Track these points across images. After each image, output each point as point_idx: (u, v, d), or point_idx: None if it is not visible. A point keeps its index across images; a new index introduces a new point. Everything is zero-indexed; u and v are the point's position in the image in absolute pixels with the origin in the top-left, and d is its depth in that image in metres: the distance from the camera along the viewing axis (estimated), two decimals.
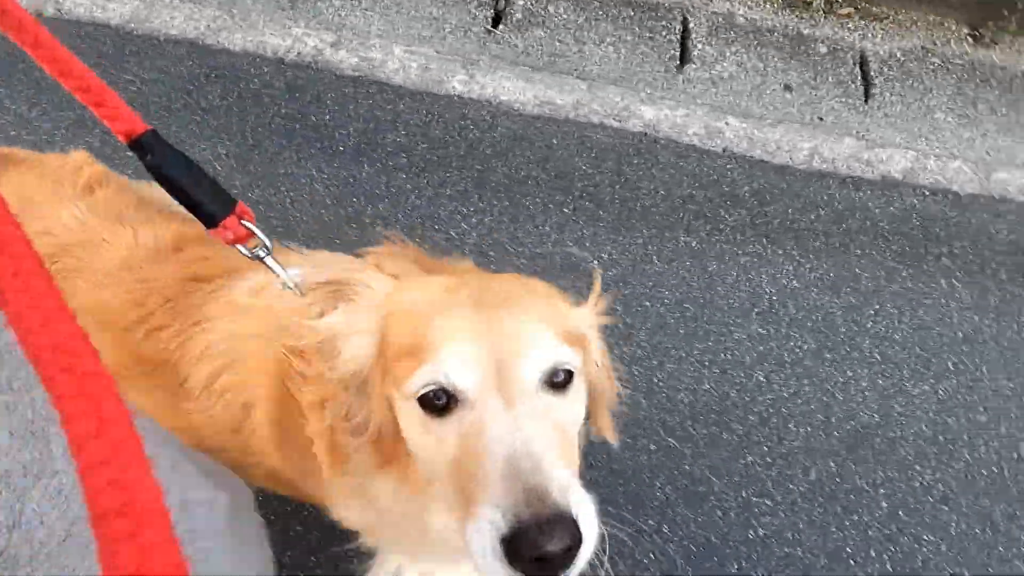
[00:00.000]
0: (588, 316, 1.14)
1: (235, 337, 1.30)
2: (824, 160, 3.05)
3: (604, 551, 0.89)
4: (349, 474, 1.20)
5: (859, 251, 2.81)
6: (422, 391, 0.93)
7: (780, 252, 2.74)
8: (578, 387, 1.01)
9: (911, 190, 3.02)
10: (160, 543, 0.43)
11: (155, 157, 1.06)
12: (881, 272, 2.76)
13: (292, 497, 1.54)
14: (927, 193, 3.03)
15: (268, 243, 1.14)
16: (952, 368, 2.58)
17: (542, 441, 0.88)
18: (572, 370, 0.98)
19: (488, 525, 0.82)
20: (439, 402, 0.93)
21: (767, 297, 2.62)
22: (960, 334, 2.66)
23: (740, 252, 2.71)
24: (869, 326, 2.63)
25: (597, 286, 1.17)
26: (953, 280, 2.80)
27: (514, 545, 0.79)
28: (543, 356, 0.94)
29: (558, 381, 0.97)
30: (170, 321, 1.35)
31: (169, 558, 0.43)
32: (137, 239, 1.44)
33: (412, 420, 0.98)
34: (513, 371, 0.92)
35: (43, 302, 0.51)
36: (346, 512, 1.34)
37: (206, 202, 1.09)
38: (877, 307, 2.68)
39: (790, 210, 2.87)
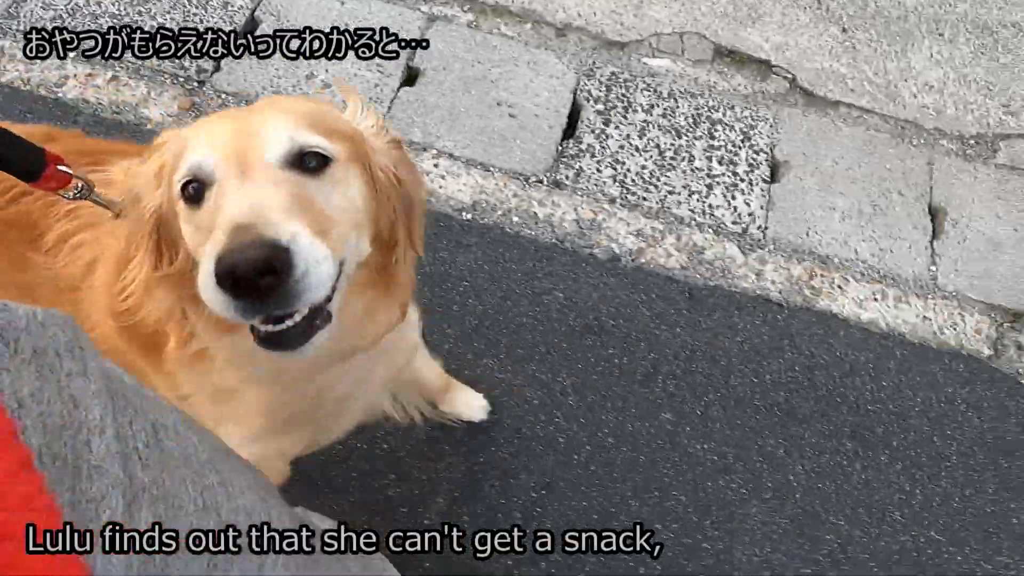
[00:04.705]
0: (364, 121, 1.19)
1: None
2: None
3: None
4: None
5: None
6: (181, 183, 1.01)
7: None
8: (343, 177, 1.07)
9: None
10: None
11: None
12: None
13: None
14: None
15: (88, 181, 1.20)
16: None
17: (272, 203, 0.92)
18: (327, 156, 1.04)
19: (208, 265, 0.88)
20: (195, 191, 0.99)
21: None
22: None
23: None
24: None
25: (361, 102, 1.23)
26: None
27: (216, 267, 0.86)
28: (281, 137, 1.01)
29: (311, 166, 1.02)
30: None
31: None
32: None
33: (182, 220, 1.03)
34: (251, 153, 0.99)
35: None
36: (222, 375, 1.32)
37: (20, 160, 1.13)
38: None
39: None
